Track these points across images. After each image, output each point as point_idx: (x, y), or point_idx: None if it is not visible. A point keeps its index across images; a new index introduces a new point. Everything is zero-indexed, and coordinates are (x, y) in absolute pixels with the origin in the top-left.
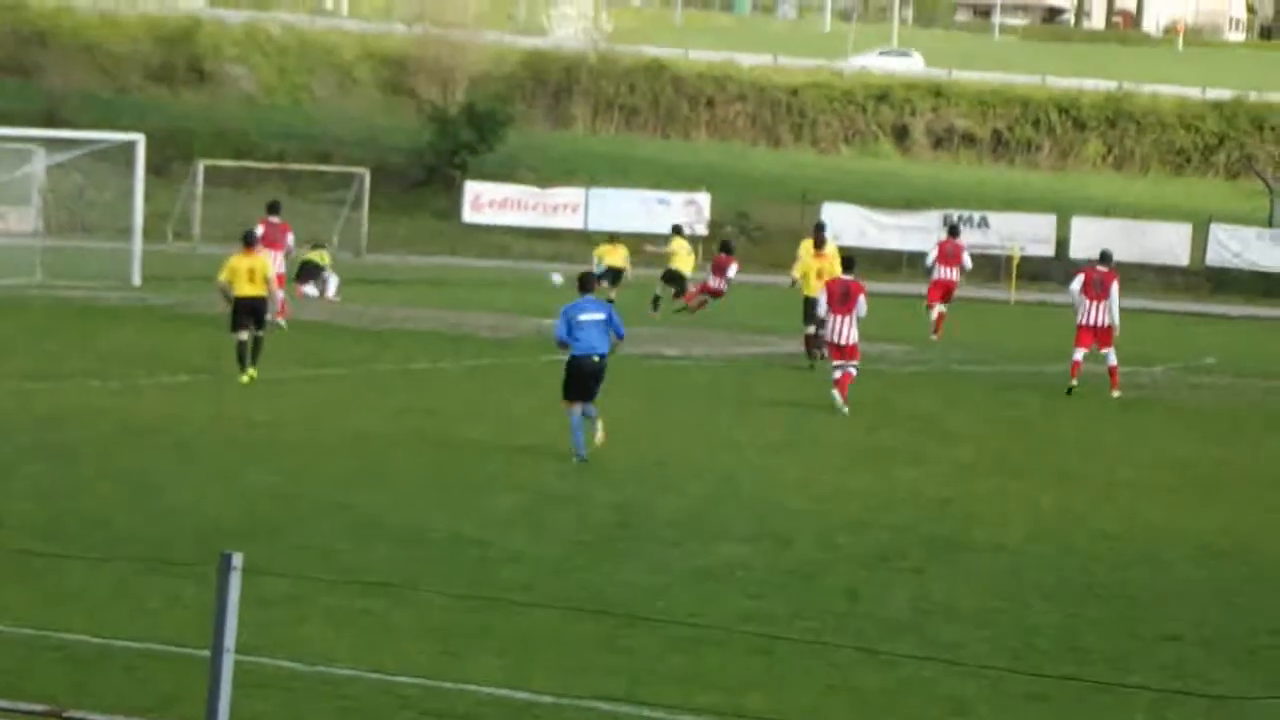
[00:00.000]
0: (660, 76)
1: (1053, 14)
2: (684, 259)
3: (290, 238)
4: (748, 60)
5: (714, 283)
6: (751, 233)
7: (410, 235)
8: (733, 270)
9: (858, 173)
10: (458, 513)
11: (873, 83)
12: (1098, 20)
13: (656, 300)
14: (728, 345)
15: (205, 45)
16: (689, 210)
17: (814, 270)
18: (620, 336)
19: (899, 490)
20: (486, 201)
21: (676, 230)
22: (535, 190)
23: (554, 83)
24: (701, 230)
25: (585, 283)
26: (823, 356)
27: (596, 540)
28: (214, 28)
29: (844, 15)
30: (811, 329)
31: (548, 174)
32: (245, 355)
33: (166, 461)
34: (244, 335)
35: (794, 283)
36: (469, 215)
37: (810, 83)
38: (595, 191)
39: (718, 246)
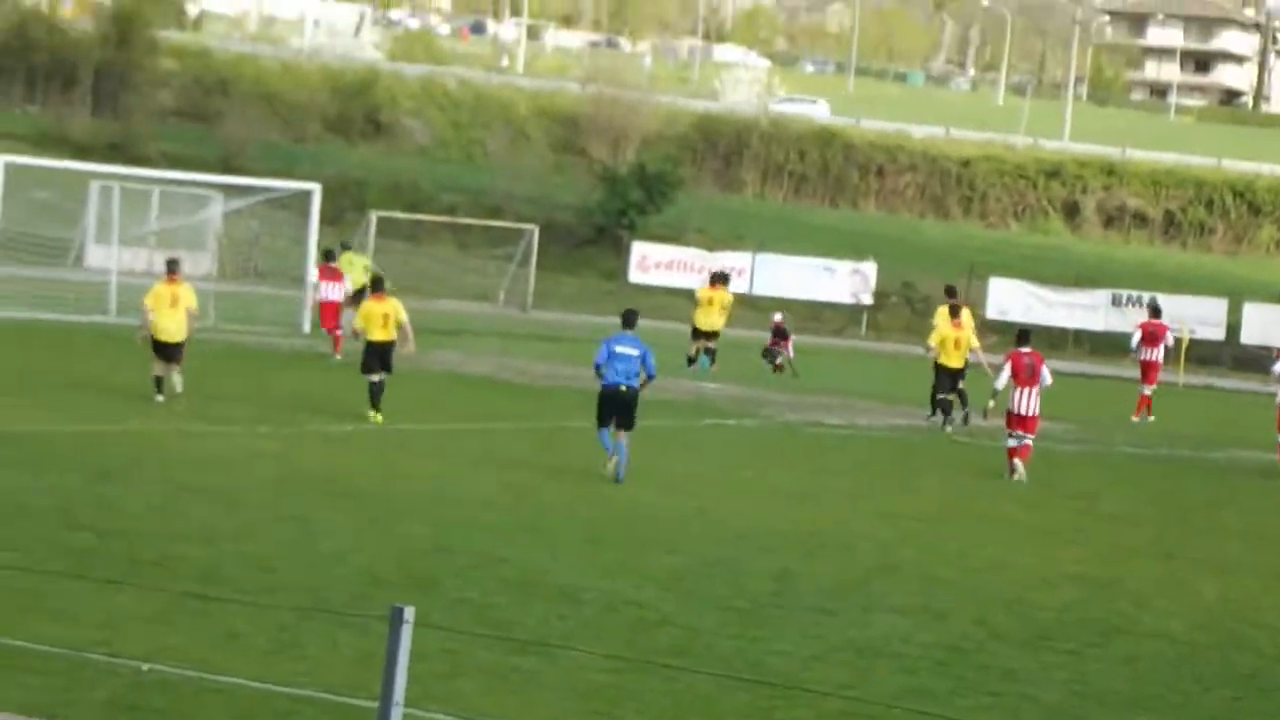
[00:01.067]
0: (831, 144)
1: (1230, 96)
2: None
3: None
4: (919, 131)
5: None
6: (915, 304)
7: (576, 293)
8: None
9: (1026, 247)
10: (614, 573)
11: (1045, 158)
12: (1276, 104)
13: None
14: (890, 415)
15: (382, 97)
16: (855, 279)
17: (951, 339)
18: (650, 377)
19: (1059, 569)
20: (653, 262)
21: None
22: (702, 253)
23: (724, 146)
24: (867, 300)
25: (628, 319)
26: (952, 422)
27: (752, 607)
28: (391, 81)
29: (1018, 90)
30: (946, 395)
31: (715, 237)
32: (378, 396)
33: (328, 509)
34: (375, 377)
35: (930, 350)
36: (635, 275)
37: (982, 155)
38: (762, 257)
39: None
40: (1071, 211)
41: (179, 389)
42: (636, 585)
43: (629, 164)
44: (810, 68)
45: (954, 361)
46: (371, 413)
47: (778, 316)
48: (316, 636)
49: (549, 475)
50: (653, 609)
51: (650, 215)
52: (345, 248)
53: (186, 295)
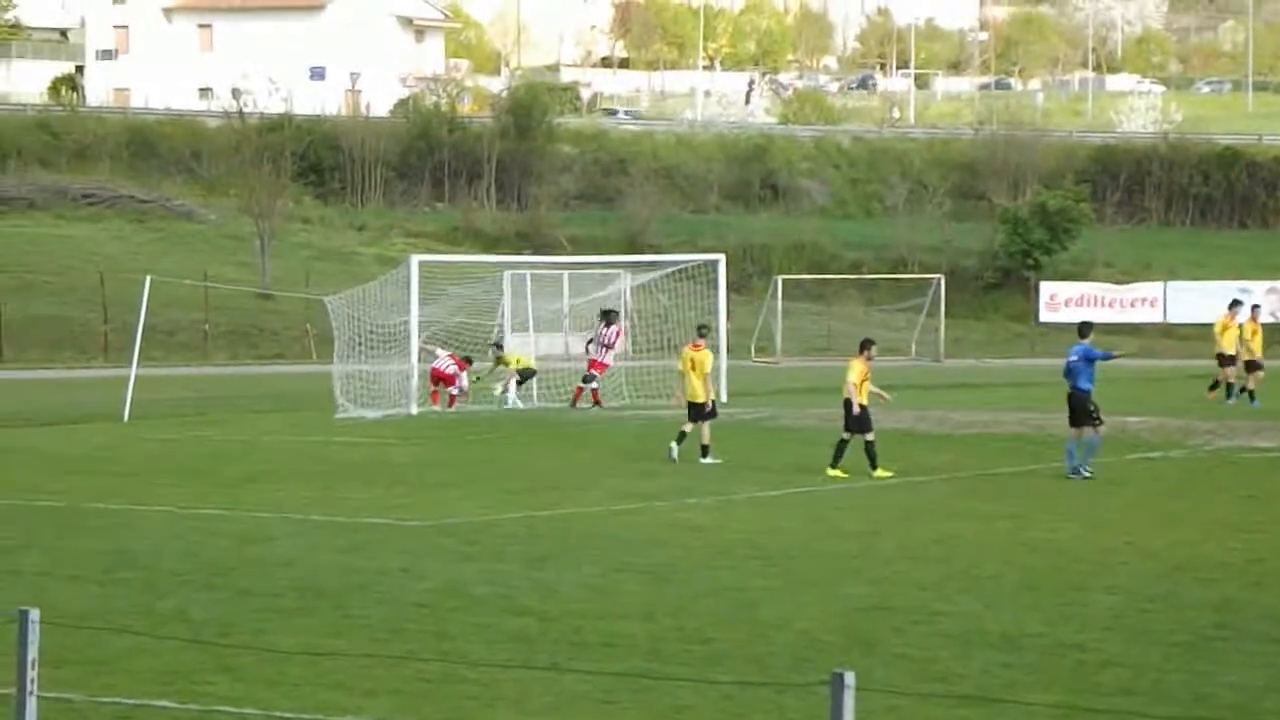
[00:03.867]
0: (1234, 165)
1: None
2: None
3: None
4: None
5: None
6: None
7: (986, 338)
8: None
9: None
10: (1053, 617)
11: None
12: None
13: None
14: None
15: (778, 161)
16: (1272, 298)
17: None
18: (1091, 359)
19: None
20: (1062, 300)
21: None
22: (1112, 287)
23: (1125, 176)
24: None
25: (1081, 329)
26: None
27: (1195, 640)
28: (785, 144)
29: None
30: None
31: (1123, 269)
32: (857, 453)
33: (761, 576)
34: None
35: None
36: (1045, 315)
37: None
38: (1174, 285)
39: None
40: None
41: (705, 442)
42: (1077, 628)
43: (1029, 204)
44: (1206, 89)
45: None
46: (880, 470)
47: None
48: (762, 705)
49: (979, 523)
50: (1095, 650)
51: (1055, 253)
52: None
53: (703, 360)
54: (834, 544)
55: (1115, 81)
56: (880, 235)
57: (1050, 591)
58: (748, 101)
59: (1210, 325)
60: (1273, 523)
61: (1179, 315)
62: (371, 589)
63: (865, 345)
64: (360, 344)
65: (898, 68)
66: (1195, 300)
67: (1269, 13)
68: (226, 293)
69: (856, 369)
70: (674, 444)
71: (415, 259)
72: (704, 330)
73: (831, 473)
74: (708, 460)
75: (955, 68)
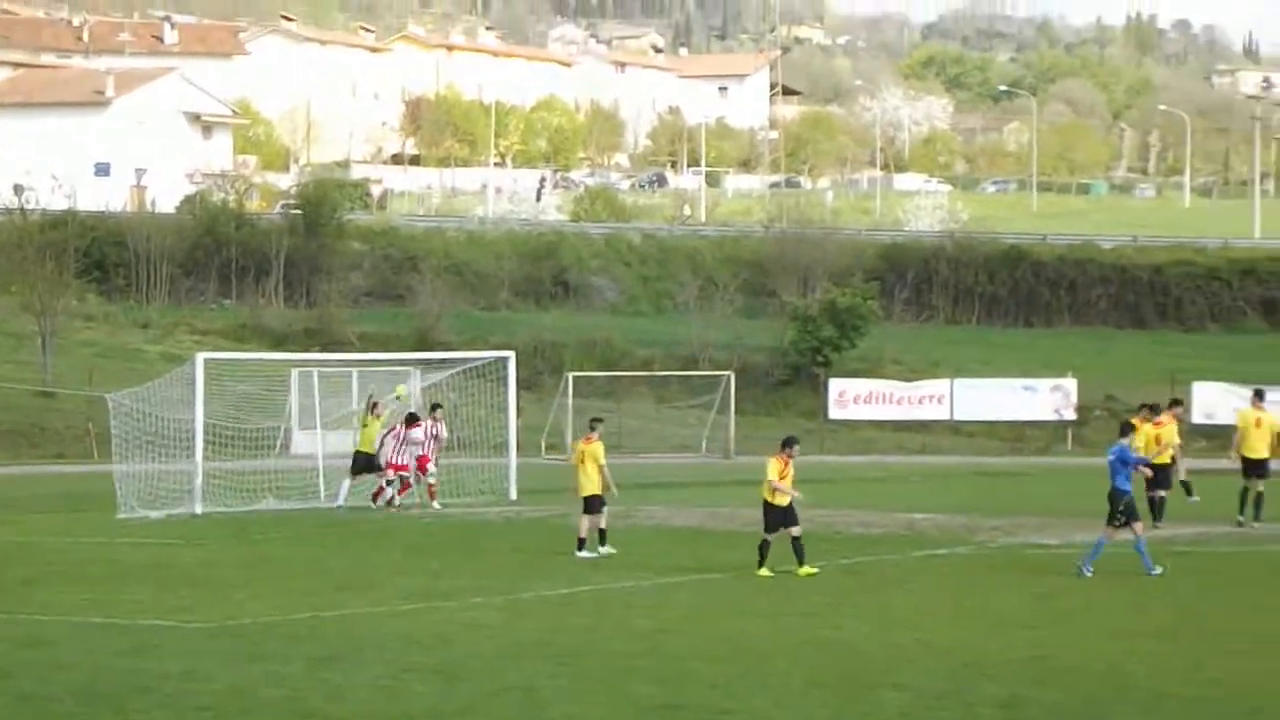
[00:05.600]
0: (1020, 263)
1: None
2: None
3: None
4: (1107, 242)
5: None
6: (1120, 416)
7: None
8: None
9: (1226, 349)
10: (842, 715)
11: (1238, 257)
12: None
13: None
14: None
15: (569, 258)
16: (1056, 396)
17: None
18: (1128, 464)
19: None
20: (851, 397)
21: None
22: (900, 384)
23: (913, 274)
24: (1070, 416)
25: (1123, 429)
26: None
27: None
28: (576, 241)
29: (1204, 191)
30: (1160, 493)
31: (912, 366)
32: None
33: (551, 675)
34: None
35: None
36: (834, 412)
37: (1172, 261)
38: (960, 382)
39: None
40: (1270, 308)
41: (582, 535)
42: None
43: (819, 301)
44: (992, 188)
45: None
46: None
47: None
48: None
49: (769, 621)
50: None
51: (845, 350)
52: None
53: (595, 453)
54: (624, 642)
55: (903, 180)
56: (671, 332)
57: (839, 689)
58: (539, 199)
59: (994, 422)
60: (1058, 619)
61: (965, 412)
62: (154, 692)
63: (787, 444)
64: (144, 443)
65: (689, 165)
66: (981, 397)
67: (1052, 114)
68: (6, 391)
69: (774, 467)
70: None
71: (201, 356)
72: (595, 423)
73: (760, 572)
74: (584, 554)
75: (746, 166)
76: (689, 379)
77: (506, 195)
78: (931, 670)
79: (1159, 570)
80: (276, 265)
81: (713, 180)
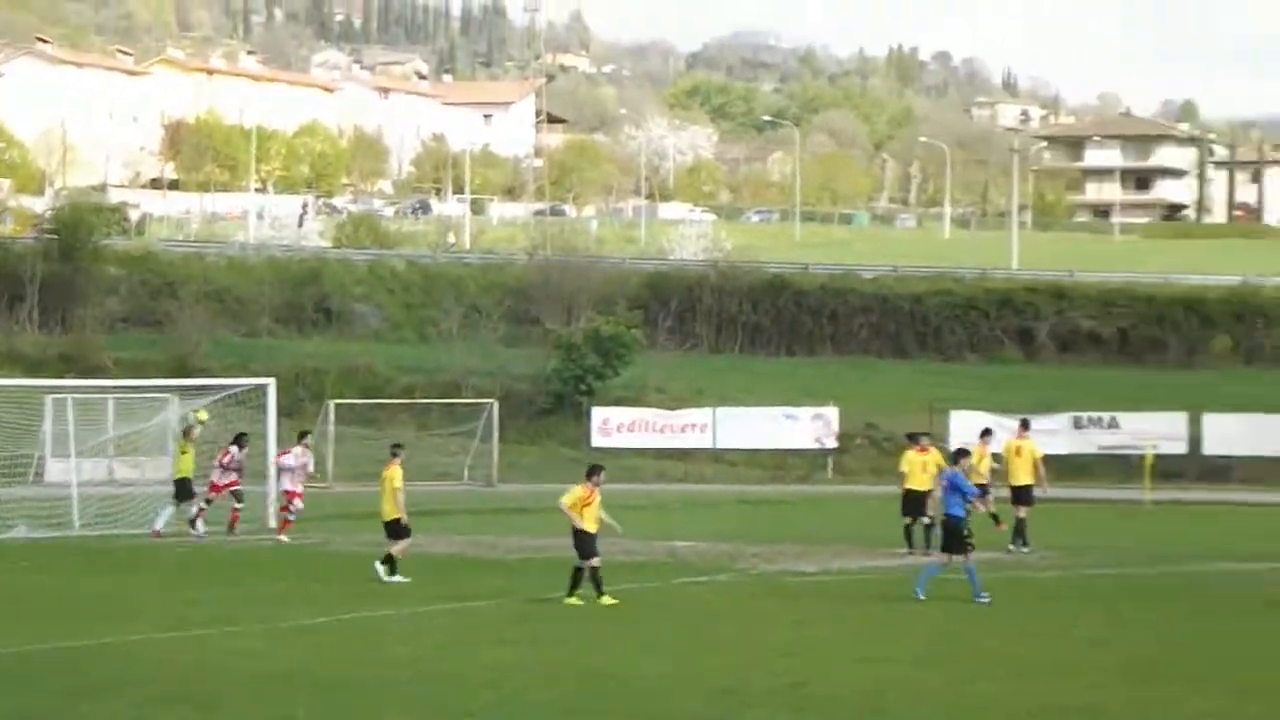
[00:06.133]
0: (782, 292)
1: (1173, 210)
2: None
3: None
4: (869, 272)
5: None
6: (881, 444)
7: (540, 463)
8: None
9: (984, 378)
10: None
11: (995, 287)
12: (1219, 215)
13: None
14: (866, 557)
15: (331, 285)
16: (817, 424)
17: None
18: (959, 490)
19: (1044, 700)
20: (615, 425)
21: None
22: (663, 412)
23: (677, 303)
24: (831, 444)
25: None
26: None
27: None
28: (339, 268)
29: (963, 222)
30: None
31: (675, 395)
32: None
33: (308, 705)
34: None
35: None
36: (598, 440)
37: (932, 290)
38: (723, 410)
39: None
40: (1025, 338)
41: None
42: None
43: (583, 329)
44: (755, 218)
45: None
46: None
47: None
48: None
49: (530, 649)
50: None
51: (608, 379)
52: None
53: (390, 478)
54: (383, 671)
55: (667, 209)
56: (434, 359)
57: (597, 718)
58: (301, 224)
59: (756, 450)
60: (816, 646)
61: (727, 441)
62: None
63: (592, 472)
64: None
65: (453, 192)
66: (743, 426)
67: (815, 144)
68: None
69: (574, 494)
70: (378, 564)
71: None
72: (397, 449)
73: (569, 600)
74: (395, 578)
75: (510, 193)
76: (452, 407)
77: (268, 221)
78: (691, 698)
79: (987, 599)
80: (31, 290)
81: (477, 207)
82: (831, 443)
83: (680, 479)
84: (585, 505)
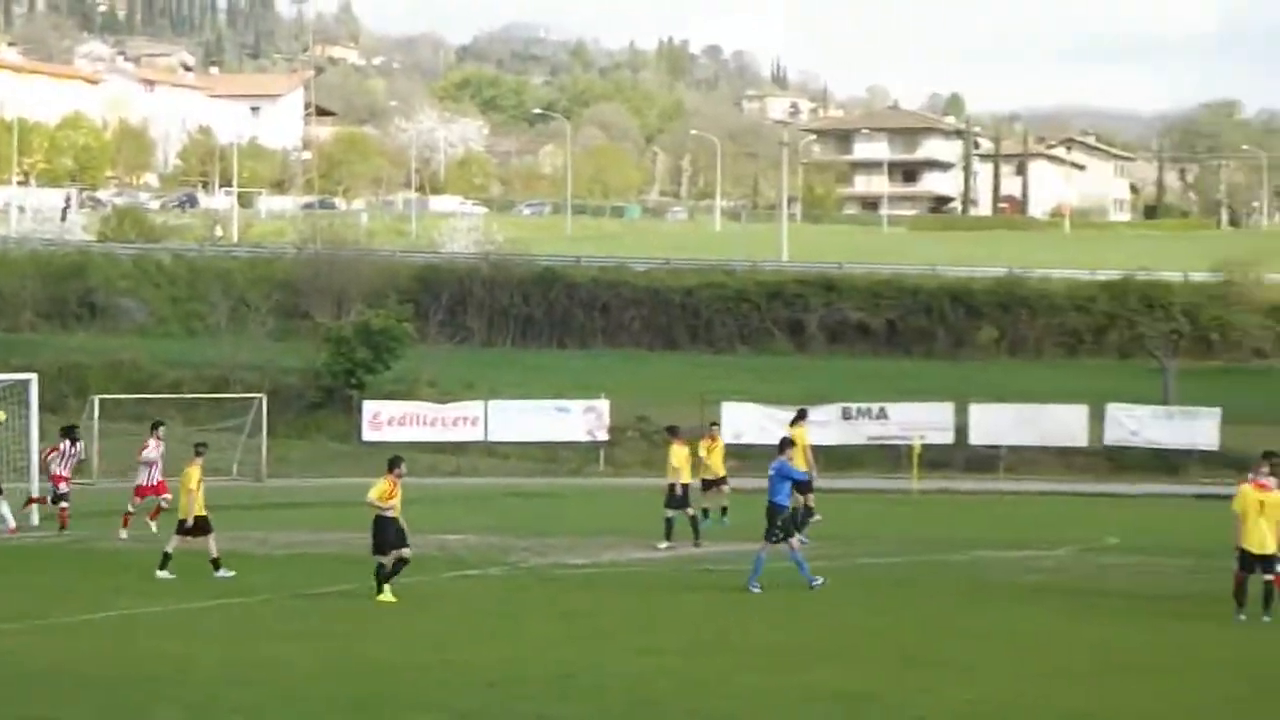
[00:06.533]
0: (553, 285)
1: (939, 203)
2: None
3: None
4: (640, 265)
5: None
6: (652, 437)
7: (310, 458)
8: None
9: (755, 370)
10: None
11: (765, 280)
12: (985, 207)
13: None
14: (636, 549)
15: (96, 279)
16: (589, 417)
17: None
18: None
19: (817, 687)
20: (385, 419)
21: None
22: (434, 405)
23: (448, 296)
24: (603, 436)
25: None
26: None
27: None
28: (104, 262)
29: (734, 215)
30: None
31: (446, 388)
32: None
33: (72, 703)
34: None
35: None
36: (368, 434)
37: (703, 283)
38: (495, 404)
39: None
40: (796, 330)
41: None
42: None
43: (353, 323)
44: (527, 211)
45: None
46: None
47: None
48: None
49: (301, 643)
50: None
51: (379, 372)
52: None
53: (188, 476)
54: (150, 667)
55: (439, 202)
56: (202, 354)
57: (368, 711)
58: (64, 218)
59: (528, 443)
60: (585, 638)
61: (499, 434)
62: None
63: (393, 464)
64: None
65: (220, 186)
66: (515, 419)
67: (586, 137)
68: None
69: (380, 488)
70: (160, 570)
71: None
72: (200, 448)
73: (382, 598)
74: (223, 573)
75: (279, 186)
76: (220, 401)
77: (30, 214)
78: (460, 690)
79: (820, 581)
80: None
81: (245, 201)
82: (603, 435)
83: (452, 472)
84: (390, 497)
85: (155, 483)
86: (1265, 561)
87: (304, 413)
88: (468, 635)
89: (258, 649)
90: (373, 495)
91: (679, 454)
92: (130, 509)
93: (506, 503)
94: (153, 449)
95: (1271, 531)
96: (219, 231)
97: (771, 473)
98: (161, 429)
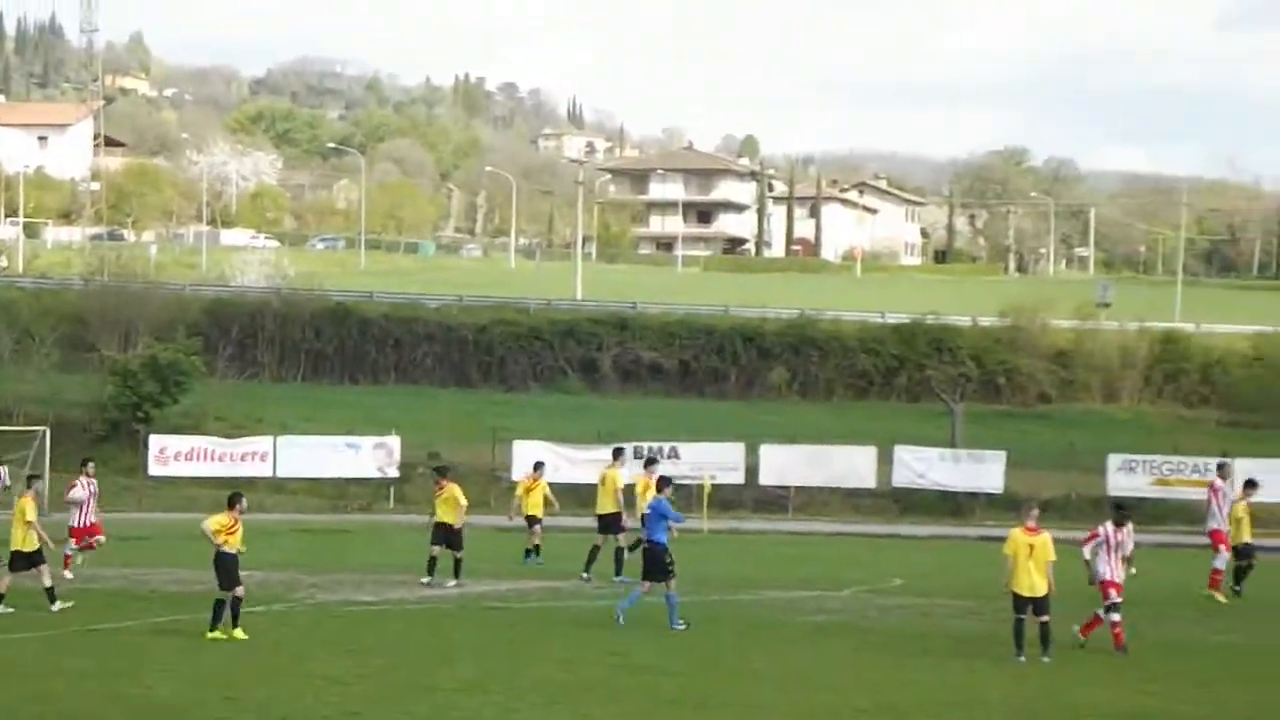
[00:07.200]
0: (346, 320)
1: (733, 244)
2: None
3: None
4: (434, 301)
5: None
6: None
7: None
8: None
9: (547, 409)
10: None
11: (559, 318)
12: (778, 249)
13: None
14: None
15: None
16: (379, 453)
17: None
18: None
19: None
20: (172, 454)
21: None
22: (223, 440)
23: (238, 330)
24: (393, 473)
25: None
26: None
27: None
28: None
29: (528, 253)
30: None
31: (235, 423)
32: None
33: None
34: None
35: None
36: (154, 469)
37: (496, 320)
38: (284, 439)
39: None
40: (589, 368)
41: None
42: None
43: (141, 356)
44: (320, 245)
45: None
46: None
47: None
48: None
49: (74, 681)
50: None
51: (166, 406)
52: None
53: (22, 509)
54: None
55: (230, 236)
56: None
57: None
58: None
59: (318, 479)
60: (371, 676)
61: (288, 469)
62: None
63: (233, 500)
64: None
65: (6, 216)
66: (304, 455)
67: (381, 173)
68: None
69: (218, 521)
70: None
71: None
72: (33, 479)
73: (235, 634)
74: (58, 606)
75: (67, 217)
76: (1, 434)
77: None
78: None
79: (682, 625)
80: None
81: (31, 231)
82: (393, 472)
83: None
84: (230, 533)
85: (89, 524)
86: (1036, 603)
87: (88, 446)
88: (250, 672)
89: (30, 685)
90: (209, 525)
91: (448, 499)
92: (68, 551)
93: (294, 539)
94: (81, 488)
95: (1040, 574)
96: (3, 262)
97: (648, 511)
98: (90, 465)
